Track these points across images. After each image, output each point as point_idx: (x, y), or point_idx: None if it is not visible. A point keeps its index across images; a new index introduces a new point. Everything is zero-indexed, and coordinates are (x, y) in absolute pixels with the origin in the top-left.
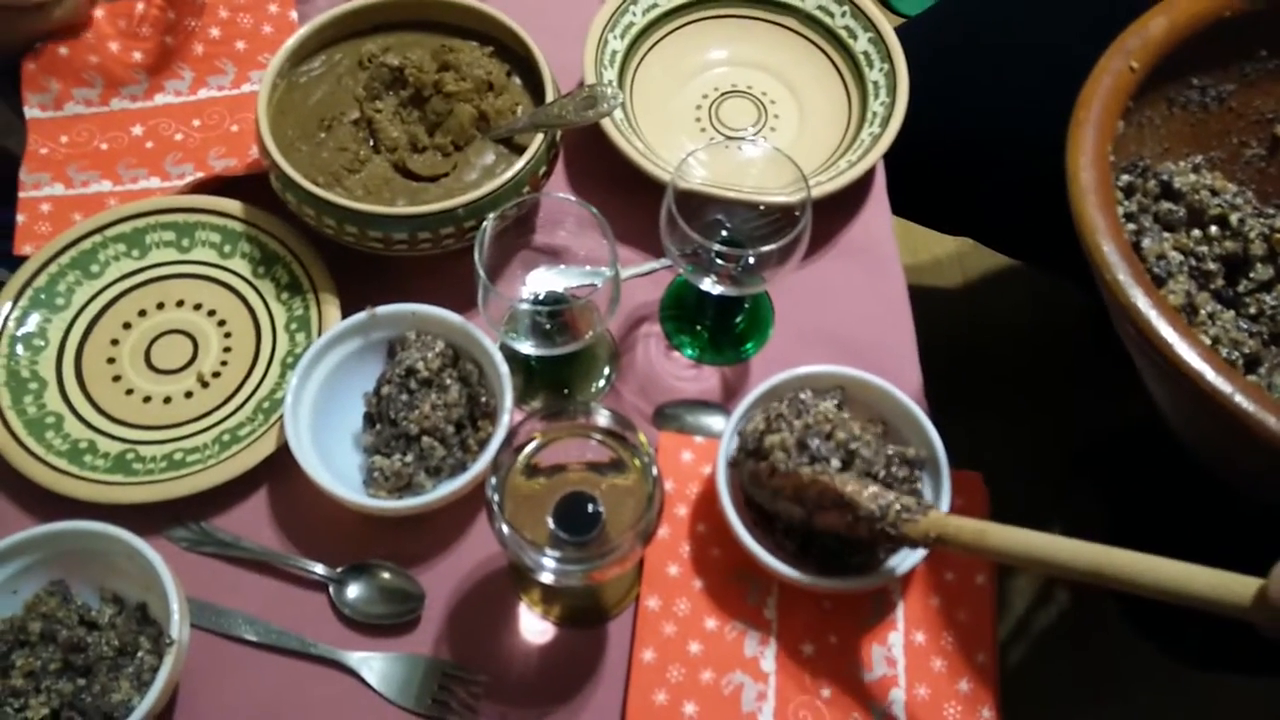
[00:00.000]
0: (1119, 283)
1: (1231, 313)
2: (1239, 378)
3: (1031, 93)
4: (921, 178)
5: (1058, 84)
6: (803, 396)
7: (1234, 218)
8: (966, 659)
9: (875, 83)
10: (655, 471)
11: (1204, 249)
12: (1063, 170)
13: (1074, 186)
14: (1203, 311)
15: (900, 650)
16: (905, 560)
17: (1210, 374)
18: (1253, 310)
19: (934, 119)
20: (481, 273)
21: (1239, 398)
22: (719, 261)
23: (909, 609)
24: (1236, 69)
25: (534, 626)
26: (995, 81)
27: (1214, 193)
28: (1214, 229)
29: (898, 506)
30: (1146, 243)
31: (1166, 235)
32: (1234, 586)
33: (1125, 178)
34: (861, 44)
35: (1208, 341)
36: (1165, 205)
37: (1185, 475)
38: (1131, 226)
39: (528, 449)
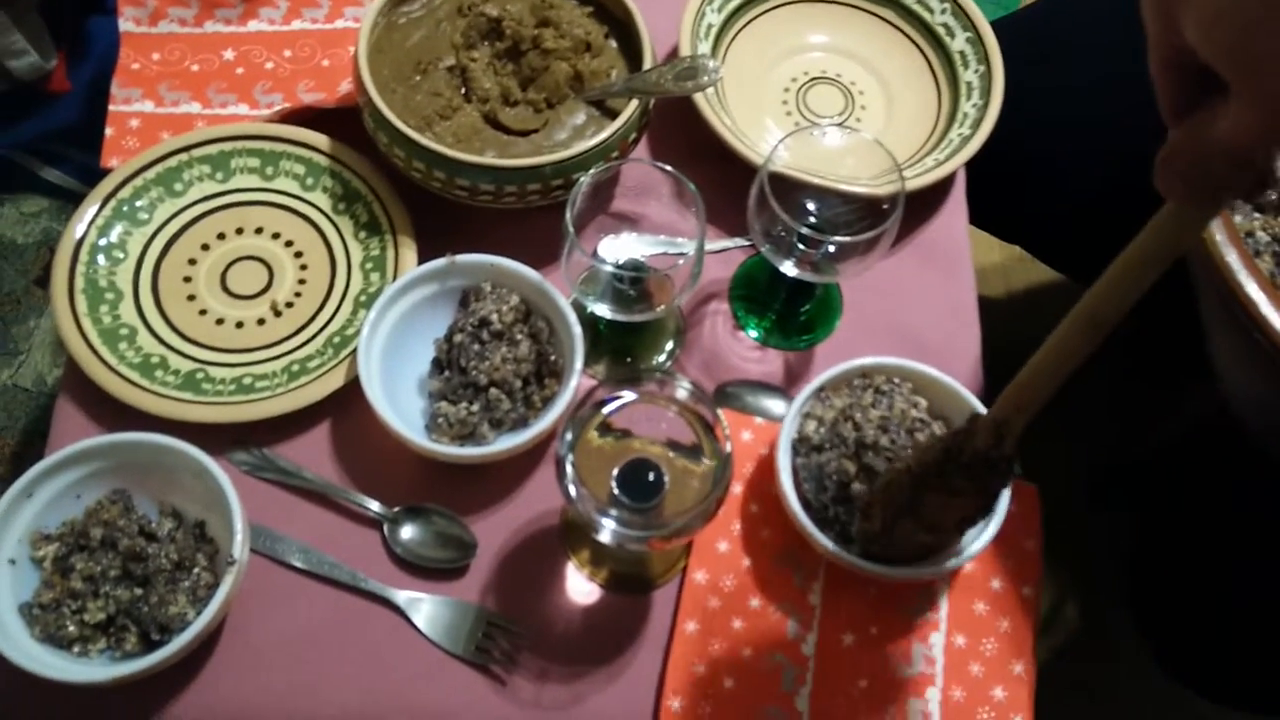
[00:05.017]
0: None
1: None
2: None
3: (1114, 110)
4: (986, 180)
5: (1140, 102)
6: (895, 381)
7: None
8: (1004, 667)
9: (969, 83)
10: (728, 448)
11: None
12: (1134, 187)
13: None
14: None
15: (940, 650)
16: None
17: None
18: None
19: (1011, 124)
20: (571, 230)
21: None
22: (801, 246)
23: (953, 611)
24: None
25: (580, 587)
26: (1079, 92)
27: None
28: None
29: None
30: (1237, 219)
31: (1257, 216)
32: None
33: None
34: (959, 43)
35: None
36: None
37: (1211, 501)
38: None
39: (604, 410)
